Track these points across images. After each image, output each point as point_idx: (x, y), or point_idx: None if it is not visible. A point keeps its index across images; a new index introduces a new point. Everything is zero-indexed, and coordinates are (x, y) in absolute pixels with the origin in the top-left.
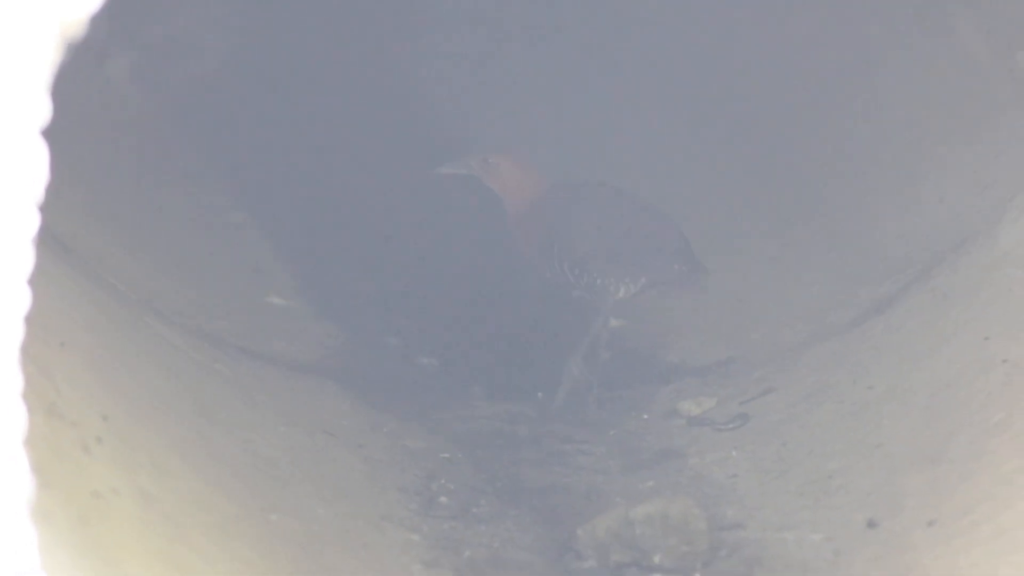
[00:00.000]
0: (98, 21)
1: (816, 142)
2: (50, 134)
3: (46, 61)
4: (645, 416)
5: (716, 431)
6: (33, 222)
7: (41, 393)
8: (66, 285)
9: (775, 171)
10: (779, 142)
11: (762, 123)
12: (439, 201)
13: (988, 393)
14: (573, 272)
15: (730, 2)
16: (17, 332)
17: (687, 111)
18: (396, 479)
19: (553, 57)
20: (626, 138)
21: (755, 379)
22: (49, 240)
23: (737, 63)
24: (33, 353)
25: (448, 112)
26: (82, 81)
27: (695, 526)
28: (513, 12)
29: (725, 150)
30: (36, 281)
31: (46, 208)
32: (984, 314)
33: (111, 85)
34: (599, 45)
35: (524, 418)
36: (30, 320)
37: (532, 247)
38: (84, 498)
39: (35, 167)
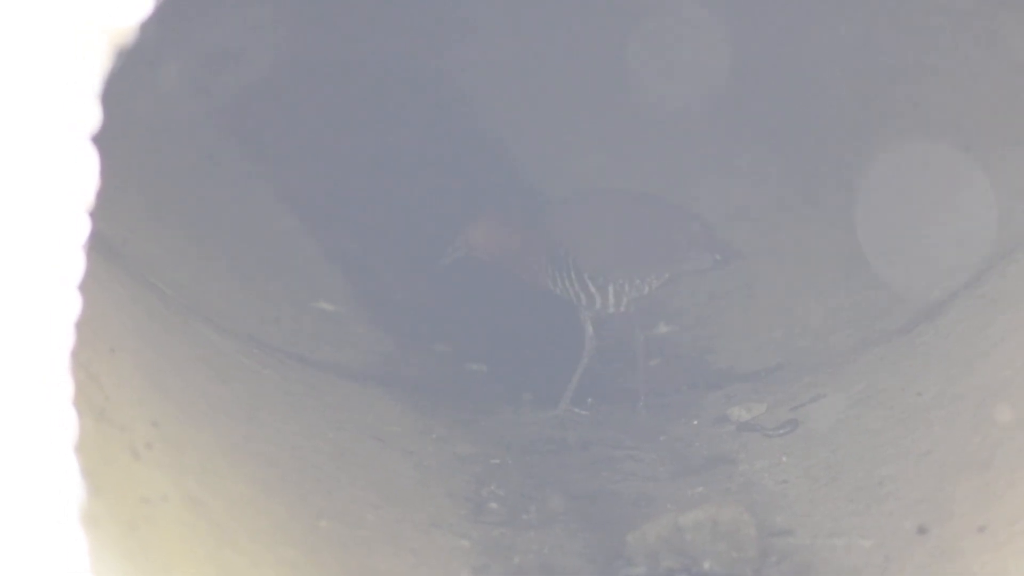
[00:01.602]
0: (148, 28)
1: (866, 148)
2: (100, 140)
3: (96, 68)
4: (695, 422)
5: (766, 437)
6: (83, 228)
7: (91, 398)
8: (116, 291)
9: (824, 178)
10: (828, 149)
11: (810, 131)
12: (488, 207)
13: None
14: (595, 282)
15: (778, 11)
16: (67, 337)
17: (733, 120)
18: (445, 485)
19: (598, 64)
20: (671, 148)
21: (804, 385)
22: (99, 246)
23: (784, 71)
24: (83, 358)
25: (491, 118)
26: (132, 88)
27: (745, 532)
28: (555, 20)
29: (772, 158)
30: (86, 287)
31: (96, 214)
32: None
33: (161, 91)
34: (649, 54)
35: (573, 424)
36: (80, 325)
37: (534, 271)
38: (133, 503)
39: (85, 173)
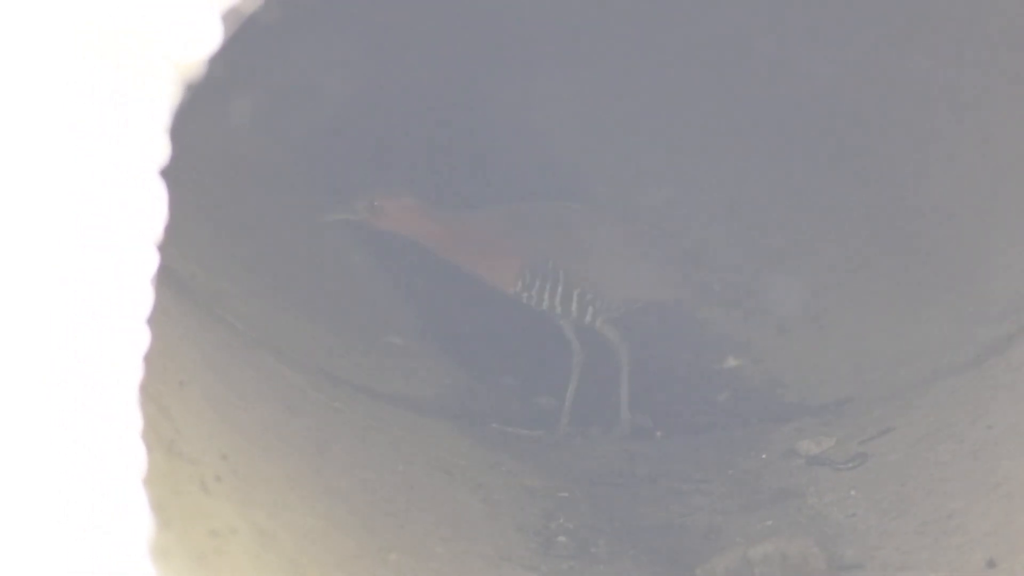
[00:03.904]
0: (218, 63)
1: (933, 180)
2: (170, 174)
3: (166, 102)
4: (764, 455)
5: (835, 470)
6: (153, 262)
7: (161, 432)
8: (185, 324)
9: (892, 211)
10: (896, 181)
11: (878, 162)
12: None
13: None
14: (583, 298)
15: (839, 45)
16: (138, 371)
17: (797, 151)
18: (515, 518)
19: (670, 100)
20: (739, 183)
21: (874, 418)
22: (169, 280)
23: (847, 103)
24: (153, 392)
25: (560, 152)
26: (202, 122)
27: (814, 565)
28: (627, 53)
29: (836, 191)
30: (156, 320)
31: (166, 248)
32: None
33: (231, 126)
34: (716, 89)
35: (642, 457)
36: (150, 359)
37: (504, 277)
38: (203, 536)
39: (155, 207)
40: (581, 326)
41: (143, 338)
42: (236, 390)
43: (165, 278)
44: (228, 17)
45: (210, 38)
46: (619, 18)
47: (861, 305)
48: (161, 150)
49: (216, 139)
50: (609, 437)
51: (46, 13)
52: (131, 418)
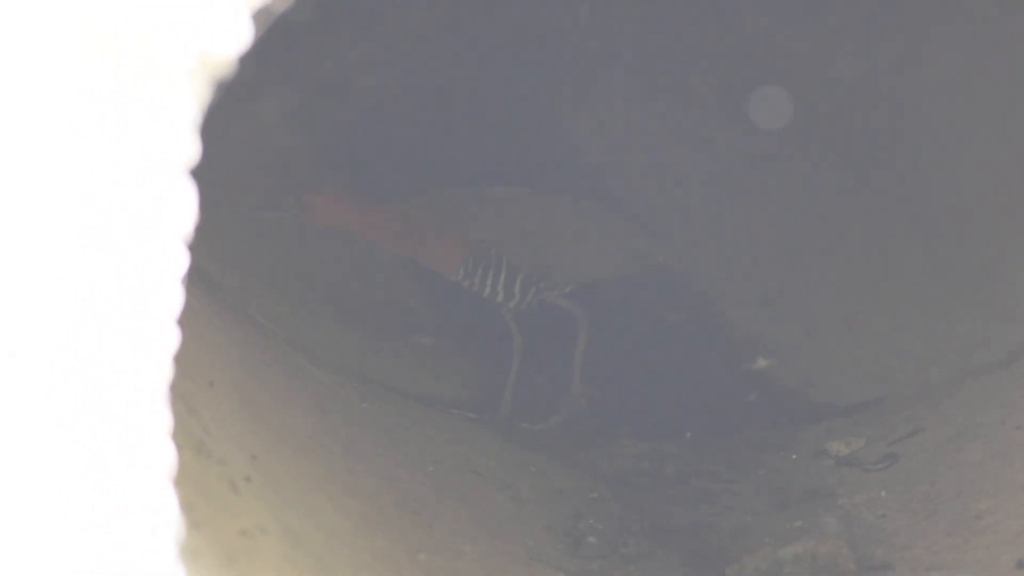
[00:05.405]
0: (248, 61)
1: (962, 180)
2: (199, 174)
3: (196, 101)
4: (793, 456)
5: (865, 471)
6: (183, 262)
7: (190, 432)
8: (215, 324)
9: (924, 211)
10: (924, 182)
11: (906, 163)
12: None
13: None
14: (526, 283)
15: (869, 52)
16: (167, 371)
17: (830, 157)
18: (544, 518)
19: (708, 108)
20: (775, 190)
21: (904, 418)
22: (198, 280)
23: (879, 110)
24: (182, 392)
25: (598, 156)
26: (232, 121)
27: (844, 566)
28: (668, 61)
29: (868, 188)
30: (186, 320)
31: (196, 248)
32: None
33: (261, 125)
34: (736, 84)
35: (672, 457)
36: (179, 359)
37: (446, 263)
38: (232, 536)
39: (185, 207)
40: (523, 310)
41: (173, 338)
42: (266, 390)
43: (195, 278)
44: (259, 16)
45: (240, 36)
46: (636, 22)
47: (890, 305)
48: (191, 149)
49: (248, 139)
50: (563, 410)
51: (52, 12)
52: (160, 418)
